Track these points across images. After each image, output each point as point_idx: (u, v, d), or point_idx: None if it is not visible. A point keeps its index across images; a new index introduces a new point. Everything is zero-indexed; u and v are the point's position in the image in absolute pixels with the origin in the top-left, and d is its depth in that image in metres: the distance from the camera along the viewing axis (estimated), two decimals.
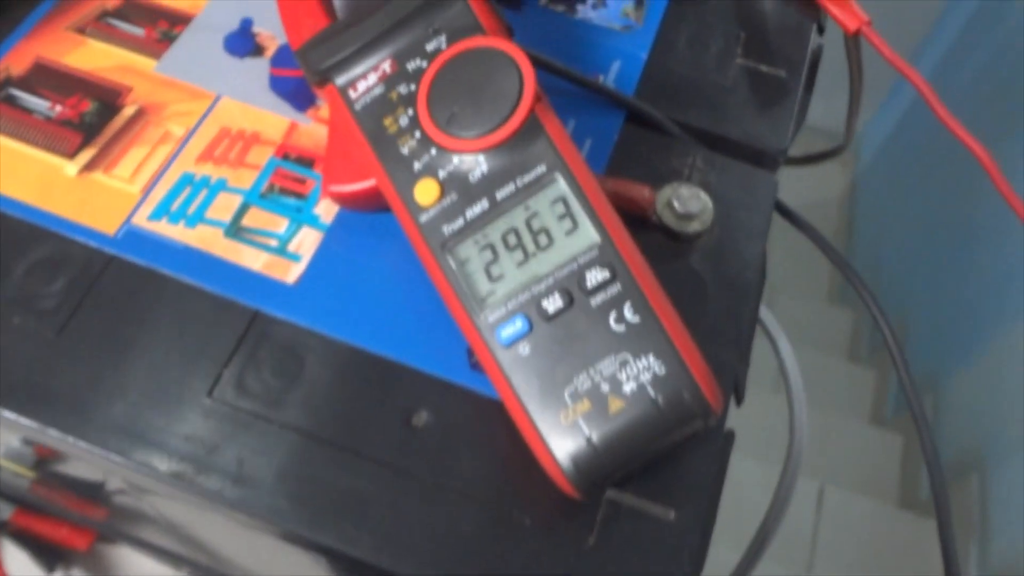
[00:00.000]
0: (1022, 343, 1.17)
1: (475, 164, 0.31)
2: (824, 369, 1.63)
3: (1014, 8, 1.37)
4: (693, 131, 0.40)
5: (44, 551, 0.69)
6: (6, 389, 0.32)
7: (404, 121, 0.32)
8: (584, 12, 0.43)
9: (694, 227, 0.37)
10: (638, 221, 0.37)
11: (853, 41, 0.46)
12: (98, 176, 0.36)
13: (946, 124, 0.42)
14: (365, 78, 0.33)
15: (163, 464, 0.31)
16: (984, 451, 1.26)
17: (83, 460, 0.32)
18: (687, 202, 0.37)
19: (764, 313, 0.46)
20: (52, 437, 0.31)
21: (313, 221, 0.36)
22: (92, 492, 0.56)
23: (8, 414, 0.31)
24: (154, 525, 0.58)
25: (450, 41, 0.33)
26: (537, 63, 0.38)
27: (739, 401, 0.37)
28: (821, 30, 0.47)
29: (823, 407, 1.53)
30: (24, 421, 0.31)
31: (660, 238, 0.37)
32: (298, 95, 0.39)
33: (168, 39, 0.40)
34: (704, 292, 0.36)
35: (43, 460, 0.53)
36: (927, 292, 1.57)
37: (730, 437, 0.35)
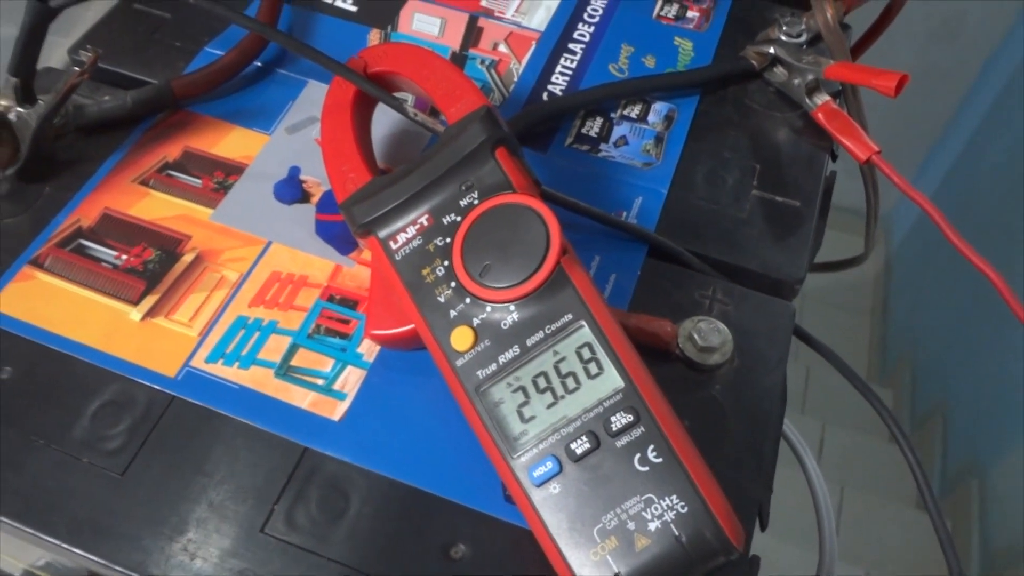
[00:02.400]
0: None
1: (507, 312, 0.34)
2: (864, 451, 1.61)
3: None
4: (712, 263, 0.43)
5: None
6: (74, 527, 0.34)
7: (440, 271, 0.35)
8: (607, 150, 0.46)
9: (715, 359, 0.39)
10: (661, 354, 0.39)
11: (866, 167, 0.48)
12: (160, 321, 0.39)
13: (958, 248, 0.44)
14: (405, 231, 0.36)
15: None
16: None
17: None
18: (707, 336, 0.39)
19: (788, 428, 0.47)
20: (117, 572, 0.34)
21: (356, 360, 0.39)
22: None
23: (77, 551, 0.34)
24: None
25: (482, 197, 0.36)
26: (563, 204, 0.42)
27: (763, 527, 0.38)
28: (834, 157, 0.50)
29: (865, 490, 1.51)
30: (91, 557, 0.34)
31: (682, 369, 0.39)
32: (342, 239, 0.42)
33: (223, 188, 0.44)
34: (726, 421, 0.38)
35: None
36: (967, 373, 1.55)
37: (755, 563, 0.36)
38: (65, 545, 0.34)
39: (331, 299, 0.40)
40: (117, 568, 0.34)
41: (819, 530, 0.46)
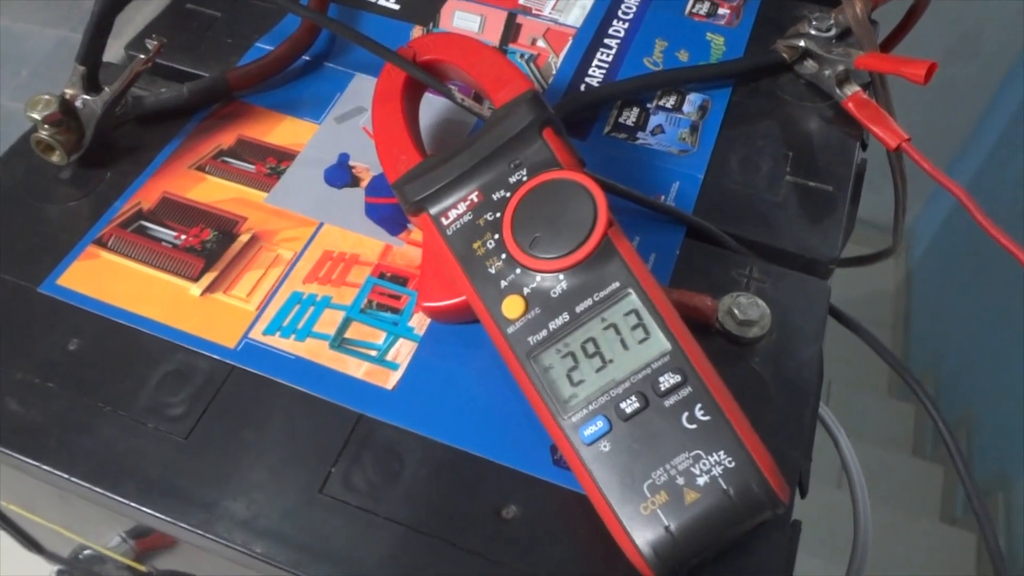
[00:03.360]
0: None
1: (556, 282, 0.35)
2: (888, 466, 1.61)
3: None
4: (749, 244, 0.44)
5: None
6: (143, 488, 0.36)
7: (491, 244, 0.37)
8: (644, 138, 0.48)
9: (754, 332, 0.40)
10: (702, 328, 0.40)
11: (895, 155, 0.50)
12: (219, 296, 0.41)
13: (990, 233, 0.45)
14: (455, 207, 0.38)
15: (282, 555, 0.34)
16: None
17: (209, 552, 0.36)
18: (746, 310, 0.40)
19: (823, 410, 0.48)
20: (183, 530, 0.35)
21: (408, 333, 0.40)
22: None
23: (146, 510, 0.35)
24: None
25: (530, 174, 0.37)
26: (606, 187, 0.43)
27: (803, 494, 0.39)
28: (864, 146, 0.51)
29: (889, 505, 1.50)
30: (160, 516, 0.35)
31: (723, 343, 0.40)
32: (391, 220, 0.44)
33: (276, 173, 0.46)
34: (766, 392, 0.39)
35: (143, 554, 0.56)
36: (992, 386, 1.55)
37: (797, 527, 0.37)
38: (135, 505, 0.35)
39: (382, 276, 0.42)
40: (184, 526, 0.35)
41: (853, 507, 0.47)
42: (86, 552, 0.60)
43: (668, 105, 0.50)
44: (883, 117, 0.48)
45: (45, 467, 0.36)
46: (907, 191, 0.54)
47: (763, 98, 0.51)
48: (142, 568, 0.54)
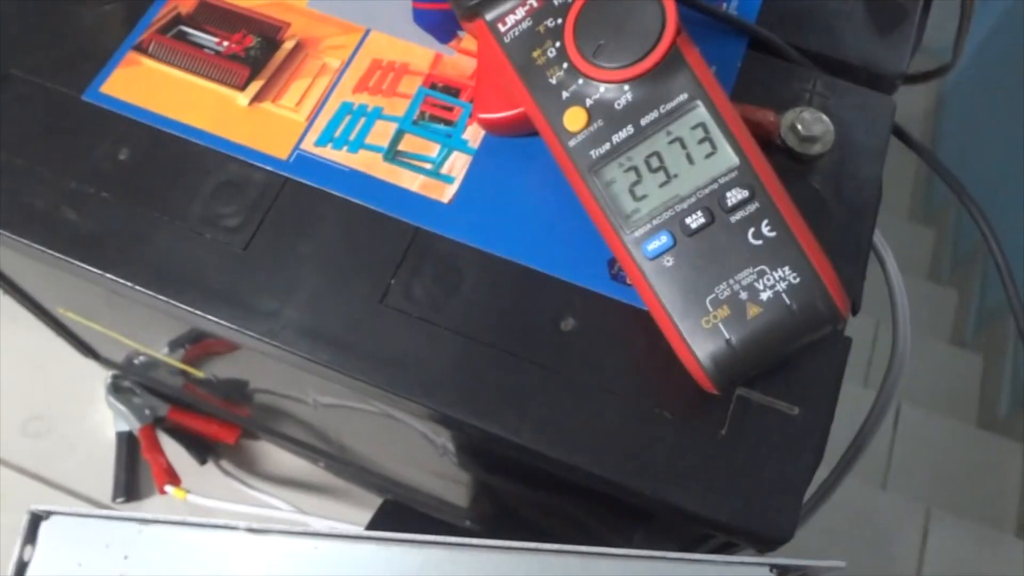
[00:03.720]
0: None
1: (620, 93, 0.34)
2: (905, 288, 1.62)
3: None
4: (813, 56, 0.42)
5: (196, 444, 0.76)
6: (207, 296, 0.36)
7: (552, 53, 0.35)
8: None
9: (816, 149, 0.39)
10: (763, 143, 0.39)
11: None
12: (267, 106, 0.40)
13: None
14: (514, 12, 0.36)
15: (348, 362, 0.35)
16: None
17: (275, 359, 0.37)
18: (810, 126, 0.39)
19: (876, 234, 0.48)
20: (250, 338, 0.36)
21: (462, 146, 0.39)
22: (238, 391, 0.62)
23: (211, 317, 0.36)
24: (293, 422, 0.63)
25: None
26: None
27: (855, 311, 0.39)
28: None
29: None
30: (225, 323, 0.36)
31: (784, 159, 0.39)
32: (441, 27, 0.42)
33: None
34: (826, 210, 0.39)
35: (195, 359, 0.58)
36: (1013, 216, 1.54)
37: (847, 343, 0.38)
38: (200, 313, 0.36)
39: (434, 87, 0.41)
40: (251, 334, 0.36)
41: (893, 331, 0.47)
42: (140, 358, 0.62)
43: None
44: None
45: (109, 275, 0.37)
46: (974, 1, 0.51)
47: None
48: (200, 373, 0.56)
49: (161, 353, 0.56)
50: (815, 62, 0.42)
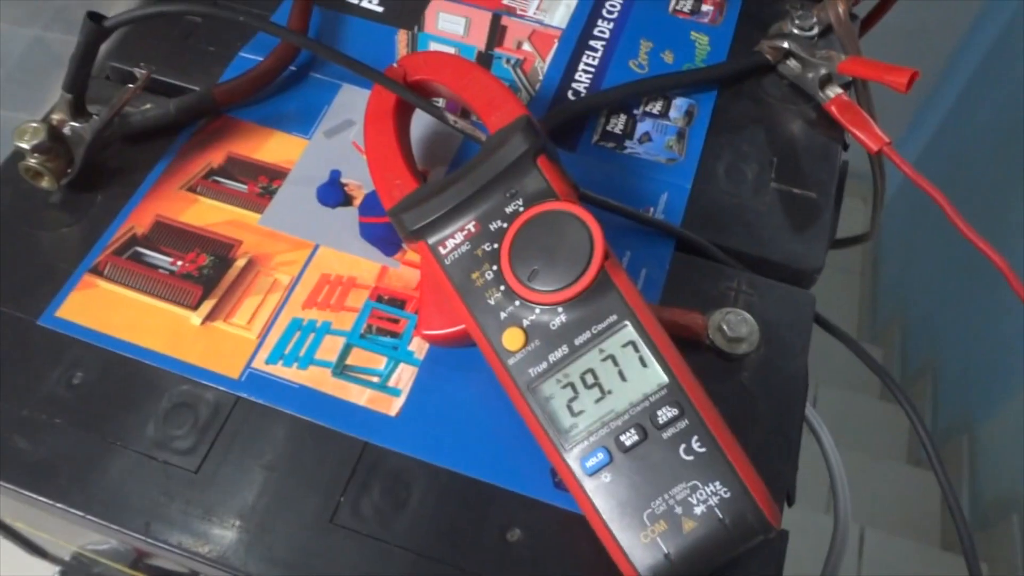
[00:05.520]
0: None
1: (555, 314, 0.36)
2: (857, 410, 1.65)
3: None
4: (736, 254, 0.45)
5: None
6: (156, 522, 0.37)
7: (489, 275, 0.38)
8: (632, 147, 0.49)
9: (743, 348, 0.41)
10: (692, 344, 0.42)
11: (876, 158, 0.51)
12: (219, 324, 0.42)
13: (967, 236, 0.47)
14: (453, 237, 0.39)
15: None
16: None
17: None
18: (735, 327, 0.41)
19: (809, 411, 0.50)
20: (199, 563, 0.36)
21: (408, 357, 0.41)
22: None
23: (161, 545, 0.36)
24: None
25: (526, 204, 0.38)
26: (596, 203, 0.44)
27: (790, 503, 0.41)
28: (846, 147, 0.52)
29: (859, 448, 1.55)
30: (175, 551, 0.36)
31: (712, 358, 0.42)
32: (386, 240, 0.44)
33: (268, 193, 0.46)
34: (754, 406, 0.41)
35: (141, 558, 0.58)
36: (956, 330, 1.59)
37: (784, 537, 0.39)
38: (149, 540, 0.36)
39: (380, 299, 0.43)
40: (200, 560, 0.36)
41: (835, 502, 0.49)
42: (88, 551, 0.61)
43: (655, 111, 0.50)
44: (865, 121, 0.49)
45: (59, 505, 0.37)
46: (886, 188, 0.56)
47: (748, 101, 0.52)
48: None
49: (108, 560, 0.55)
50: (739, 260, 0.45)
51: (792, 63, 0.52)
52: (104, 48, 0.50)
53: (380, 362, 0.41)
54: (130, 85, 0.43)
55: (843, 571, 0.49)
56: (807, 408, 0.48)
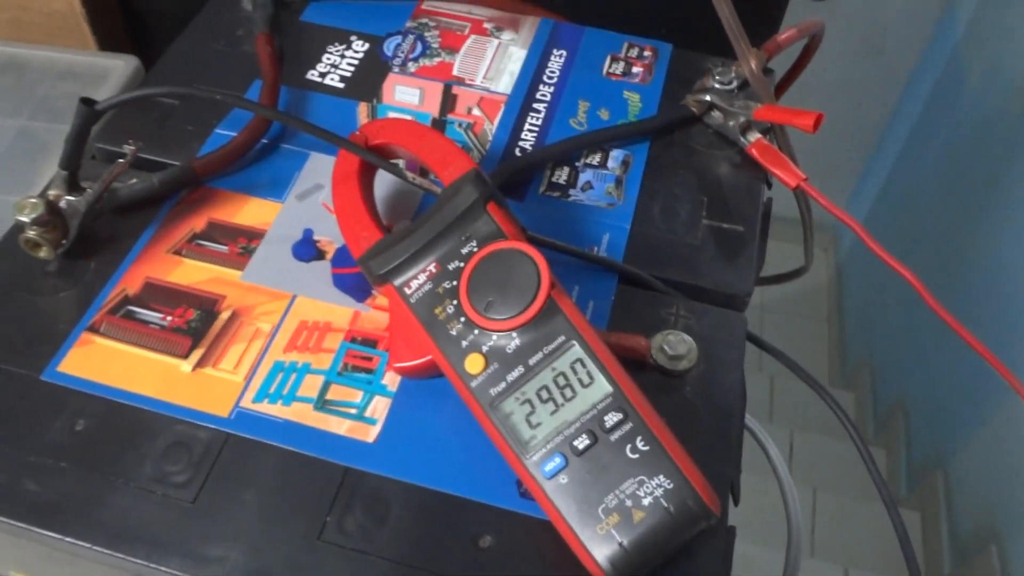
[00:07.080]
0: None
1: (510, 339, 0.41)
2: (833, 452, 1.69)
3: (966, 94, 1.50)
4: (674, 284, 0.50)
5: None
6: (158, 550, 0.40)
7: (451, 309, 0.42)
8: (576, 195, 0.54)
9: (683, 365, 0.46)
10: (638, 364, 0.46)
11: (797, 192, 0.56)
12: (208, 370, 0.46)
13: (880, 256, 0.52)
14: (416, 278, 0.43)
15: None
16: (1000, 522, 1.29)
17: None
18: (675, 346, 0.46)
19: (751, 422, 0.54)
20: None
21: (382, 390, 0.45)
22: None
23: (163, 569, 0.40)
24: None
25: (480, 245, 0.43)
26: (544, 244, 0.49)
27: (736, 502, 0.45)
28: (769, 185, 0.58)
29: (835, 491, 1.58)
30: (177, 574, 0.40)
31: (657, 376, 0.46)
32: (357, 288, 0.49)
33: (248, 252, 0.51)
34: (697, 416, 0.45)
35: None
36: (924, 369, 1.64)
37: (732, 532, 0.43)
38: (152, 566, 0.40)
39: (354, 340, 0.47)
40: None
41: (787, 519, 0.53)
42: None
43: (594, 163, 0.56)
44: (782, 160, 0.55)
45: (68, 539, 0.40)
46: (812, 220, 0.61)
47: (678, 149, 0.57)
48: None
49: None
50: (677, 289, 0.50)
51: (715, 113, 0.58)
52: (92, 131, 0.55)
53: (357, 395, 0.45)
54: (119, 160, 0.47)
55: None
56: (748, 419, 0.53)
